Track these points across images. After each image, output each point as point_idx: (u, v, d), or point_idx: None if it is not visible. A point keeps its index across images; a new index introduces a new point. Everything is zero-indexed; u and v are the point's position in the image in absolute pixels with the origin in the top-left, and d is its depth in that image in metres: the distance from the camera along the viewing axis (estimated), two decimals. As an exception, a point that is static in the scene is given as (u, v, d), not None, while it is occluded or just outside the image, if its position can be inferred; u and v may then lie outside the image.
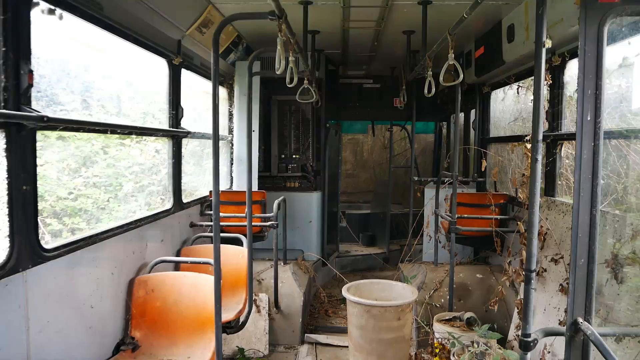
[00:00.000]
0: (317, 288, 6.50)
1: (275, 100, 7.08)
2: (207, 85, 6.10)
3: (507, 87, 5.95)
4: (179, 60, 4.67)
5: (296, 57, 3.90)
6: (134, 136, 4.19)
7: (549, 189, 4.61)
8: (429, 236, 6.65)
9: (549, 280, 4.12)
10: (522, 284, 4.57)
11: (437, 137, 9.43)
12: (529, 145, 4.45)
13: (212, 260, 3.61)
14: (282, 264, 6.05)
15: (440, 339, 4.62)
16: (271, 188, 7.02)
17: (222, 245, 5.33)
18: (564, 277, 3.92)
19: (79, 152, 3.52)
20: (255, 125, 6.04)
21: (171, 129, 4.70)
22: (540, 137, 2.23)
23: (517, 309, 4.45)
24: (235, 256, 4.80)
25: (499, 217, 5.47)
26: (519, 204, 5.49)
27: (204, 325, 3.72)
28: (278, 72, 3.38)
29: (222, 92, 6.53)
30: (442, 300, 5.38)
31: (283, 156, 7.14)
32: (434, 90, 4.43)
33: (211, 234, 5.62)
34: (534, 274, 2.30)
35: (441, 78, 3.87)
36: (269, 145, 7.12)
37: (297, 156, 7.14)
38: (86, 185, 3.69)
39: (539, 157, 2.24)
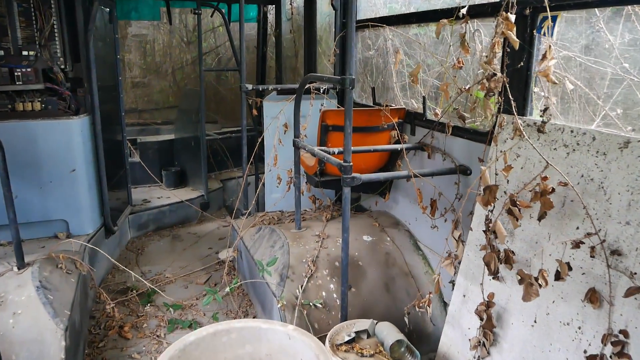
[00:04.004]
0: (99, 292, 3.73)
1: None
2: None
3: None
4: None
5: None
6: None
7: (517, 104, 2.63)
8: (279, 179, 4.33)
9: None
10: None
11: (260, 27, 6.79)
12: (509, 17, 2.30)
13: None
14: (16, 269, 3.08)
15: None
16: (-19, 115, 3.70)
17: None
18: (599, 276, 2.05)
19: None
20: None
21: None
22: None
23: (481, 318, 2.54)
24: None
25: (405, 146, 3.40)
26: (428, 123, 3.49)
27: None
28: None
29: None
30: (324, 294, 3.24)
31: (1, 53, 3.77)
32: None
33: None
34: None
35: None
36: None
37: (33, 53, 3.84)
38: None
39: None
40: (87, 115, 4.08)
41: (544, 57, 2.14)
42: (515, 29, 2.36)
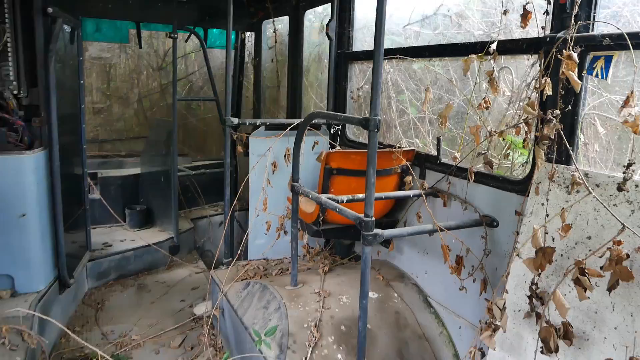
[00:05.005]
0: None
1: None
2: None
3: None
4: None
5: None
6: None
7: (561, 151, 2.29)
8: (267, 224, 3.83)
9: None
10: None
11: (238, 55, 6.36)
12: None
13: None
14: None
15: None
16: None
17: None
18: None
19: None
20: None
21: None
22: None
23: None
24: None
25: (417, 192, 3.01)
26: (443, 167, 3.12)
27: None
28: None
29: None
30: (332, 368, 2.73)
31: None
32: None
33: None
34: None
35: None
36: None
37: (-21, 75, 3.26)
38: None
39: None
40: (43, 150, 3.48)
41: (627, 103, 1.79)
42: (576, 69, 2.03)
